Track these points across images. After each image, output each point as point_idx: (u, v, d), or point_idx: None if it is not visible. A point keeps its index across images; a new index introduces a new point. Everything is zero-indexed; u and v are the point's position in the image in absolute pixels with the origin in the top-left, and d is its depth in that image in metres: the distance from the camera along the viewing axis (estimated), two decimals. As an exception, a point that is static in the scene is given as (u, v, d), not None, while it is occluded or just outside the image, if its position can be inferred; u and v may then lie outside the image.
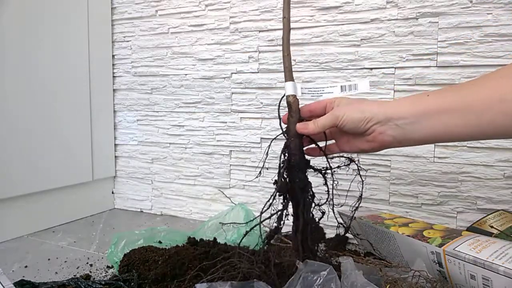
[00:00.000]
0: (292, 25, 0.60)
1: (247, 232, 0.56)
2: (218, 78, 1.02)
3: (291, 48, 0.58)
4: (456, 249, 0.55)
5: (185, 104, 1.07)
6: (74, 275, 0.70)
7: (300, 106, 0.57)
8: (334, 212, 0.57)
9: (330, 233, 0.77)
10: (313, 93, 0.58)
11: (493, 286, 0.50)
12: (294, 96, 0.56)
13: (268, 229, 0.56)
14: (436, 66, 0.80)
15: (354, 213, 0.59)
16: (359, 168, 0.57)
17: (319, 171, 0.56)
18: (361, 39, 0.86)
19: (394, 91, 0.84)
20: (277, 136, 0.59)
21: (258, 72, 0.97)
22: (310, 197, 0.55)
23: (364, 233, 0.74)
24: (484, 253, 0.53)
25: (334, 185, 0.56)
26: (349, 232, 0.59)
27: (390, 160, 0.86)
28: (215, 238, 0.79)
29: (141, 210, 1.16)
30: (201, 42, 1.03)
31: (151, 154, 1.13)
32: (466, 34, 0.77)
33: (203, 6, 1.02)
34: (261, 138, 0.98)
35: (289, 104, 0.55)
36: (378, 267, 0.55)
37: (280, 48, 0.93)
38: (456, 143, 0.80)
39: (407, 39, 0.82)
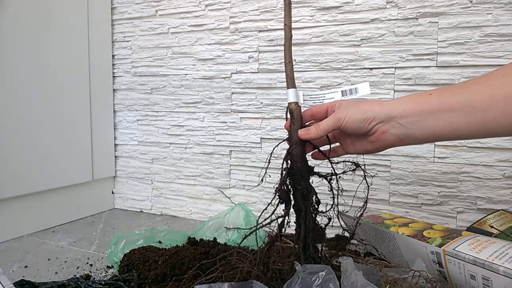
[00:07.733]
0: (292, 25, 0.60)
1: (246, 236, 0.56)
2: (218, 78, 1.02)
3: (291, 48, 0.58)
4: (456, 249, 0.55)
5: (185, 104, 1.07)
6: (74, 275, 0.70)
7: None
8: (339, 219, 0.57)
9: (330, 233, 0.77)
10: (315, 100, 0.59)
11: (493, 286, 0.50)
12: (296, 103, 0.56)
13: (270, 230, 0.55)
14: (436, 66, 0.80)
15: (359, 219, 0.59)
16: (365, 173, 0.56)
17: (324, 177, 0.56)
18: (361, 39, 0.86)
19: (394, 91, 0.84)
20: (280, 143, 0.59)
21: (258, 72, 0.97)
22: (314, 203, 0.54)
23: (364, 233, 0.74)
24: (484, 253, 0.53)
25: (339, 191, 0.55)
26: (353, 238, 0.59)
27: (390, 160, 0.86)
28: (215, 238, 0.79)
29: (141, 210, 1.16)
30: (201, 42, 1.03)
31: (151, 154, 1.13)
32: (466, 34, 0.77)
33: (203, 6, 1.02)
34: (261, 138, 0.98)
35: (291, 111, 0.55)
36: (378, 267, 0.54)
37: (280, 48, 0.95)
38: (456, 143, 0.80)
39: (407, 39, 0.82)
